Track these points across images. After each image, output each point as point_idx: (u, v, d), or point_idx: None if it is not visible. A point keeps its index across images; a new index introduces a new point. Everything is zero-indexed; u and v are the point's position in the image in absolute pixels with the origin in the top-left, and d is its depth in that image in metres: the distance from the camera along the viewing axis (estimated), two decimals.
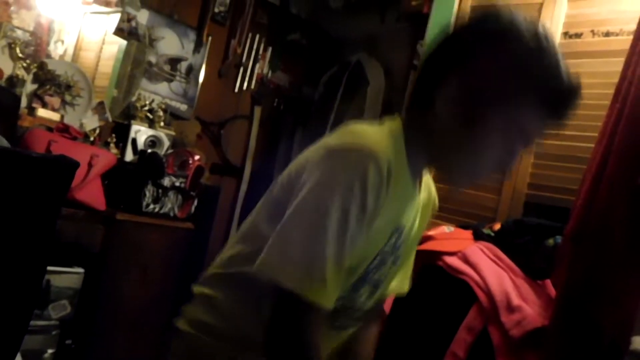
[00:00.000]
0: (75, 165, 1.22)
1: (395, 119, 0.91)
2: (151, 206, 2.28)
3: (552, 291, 1.46)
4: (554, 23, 1.97)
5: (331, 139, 0.83)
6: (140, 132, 2.49)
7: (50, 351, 2.15)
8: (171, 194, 2.34)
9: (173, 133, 2.62)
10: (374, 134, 0.82)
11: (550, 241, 1.58)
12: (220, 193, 2.84)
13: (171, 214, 2.35)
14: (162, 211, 2.32)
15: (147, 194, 2.27)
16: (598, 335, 1.32)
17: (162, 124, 2.60)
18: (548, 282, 1.57)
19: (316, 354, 0.77)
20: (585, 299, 1.34)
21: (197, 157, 2.48)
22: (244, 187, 3.02)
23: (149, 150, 2.36)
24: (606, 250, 1.33)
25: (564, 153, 1.80)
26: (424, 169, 0.94)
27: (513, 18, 0.83)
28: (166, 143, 2.56)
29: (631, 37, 1.53)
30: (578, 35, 1.93)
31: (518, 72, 0.81)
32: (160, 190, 2.30)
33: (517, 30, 0.81)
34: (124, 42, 2.56)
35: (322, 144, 0.83)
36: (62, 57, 2.51)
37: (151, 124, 2.56)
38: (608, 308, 1.32)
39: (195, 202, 2.44)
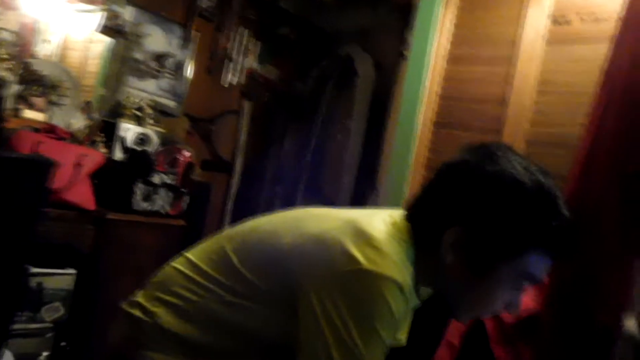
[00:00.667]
0: (49, 163, 1.20)
1: (404, 232, 0.88)
2: (142, 204, 2.27)
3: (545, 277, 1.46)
4: (541, 9, 1.96)
5: (349, 250, 0.80)
6: (129, 130, 2.47)
7: (45, 354, 2.14)
8: (162, 191, 2.32)
9: (162, 130, 2.60)
10: (394, 255, 0.81)
11: None
12: (212, 189, 2.83)
13: (162, 212, 2.33)
14: (153, 209, 2.30)
15: (138, 192, 2.26)
16: (590, 320, 1.32)
17: (150, 121, 2.58)
18: None
19: None
20: (577, 285, 1.33)
21: (187, 154, 2.46)
22: (235, 182, 3.00)
23: (138, 148, 2.34)
24: (596, 237, 1.33)
25: (555, 140, 1.80)
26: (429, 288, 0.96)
27: (509, 158, 0.85)
28: (155, 140, 2.54)
29: (620, 22, 1.52)
30: (567, 22, 1.92)
31: (523, 223, 0.82)
32: (150, 188, 2.28)
33: (516, 174, 0.82)
34: (110, 40, 2.54)
35: (338, 249, 0.81)
36: (48, 57, 2.48)
37: (139, 121, 2.54)
38: (599, 294, 1.32)
39: (187, 199, 2.43)
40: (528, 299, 1.44)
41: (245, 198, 3.04)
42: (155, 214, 2.31)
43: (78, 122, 2.36)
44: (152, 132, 2.53)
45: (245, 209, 2.94)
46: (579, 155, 1.42)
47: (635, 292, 1.53)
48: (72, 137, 2.24)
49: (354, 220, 0.88)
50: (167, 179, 2.34)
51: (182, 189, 2.38)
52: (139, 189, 2.26)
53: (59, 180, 2.01)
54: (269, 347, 0.93)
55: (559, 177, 1.68)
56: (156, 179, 2.30)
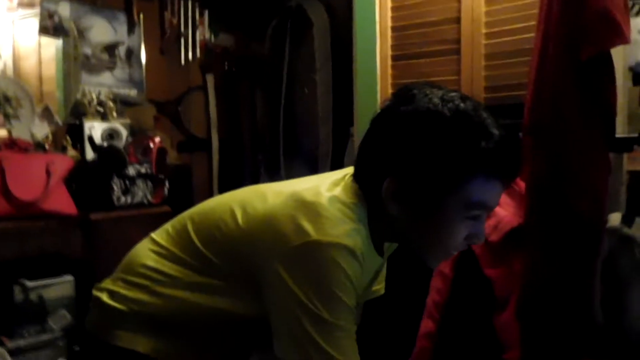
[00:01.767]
0: None
1: (352, 194, 0.88)
2: (122, 199, 2.25)
3: (523, 187, 1.45)
4: None
5: (297, 224, 0.81)
6: (95, 128, 2.42)
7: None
8: (139, 182, 2.30)
9: (128, 121, 2.55)
10: (342, 220, 0.82)
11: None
12: (193, 170, 2.80)
13: (145, 202, 2.31)
14: (134, 201, 2.28)
15: (115, 187, 2.23)
16: (574, 220, 1.31)
17: (114, 114, 2.53)
18: (519, 180, 1.56)
19: None
20: (555, 187, 1.33)
21: (157, 140, 2.42)
22: (215, 158, 2.97)
23: (106, 143, 2.30)
24: (565, 134, 1.31)
25: (513, 48, 1.76)
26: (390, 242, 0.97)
27: (425, 93, 0.83)
28: (124, 133, 2.49)
29: None
30: None
31: (451, 152, 0.80)
32: (127, 181, 2.26)
33: (431, 107, 0.81)
34: (59, 41, 2.47)
35: (286, 225, 0.83)
36: (2, 71, 2.43)
37: (104, 117, 2.49)
38: (578, 191, 1.31)
39: (167, 185, 2.41)
40: (510, 215, 1.43)
41: (229, 172, 3.01)
42: (139, 205, 2.29)
43: (40, 130, 2.31)
44: (119, 125, 2.48)
45: (232, 183, 2.92)
46: (533, 57, 1.38)
47: (616, 185, 1.52)
48: (36, 147, 2.20)
49: (297, 192, 0.88)
50: (142, 169, 2.31)
51: (160, 176, 2.36)
52: (116, 184, 2.24)
53: (33, 191, 1.99)
54: (239, 323, 0.94)
55: (524, 85, 1.67)
56: (131, 171, 2.27)
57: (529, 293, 1.35)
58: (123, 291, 0.95)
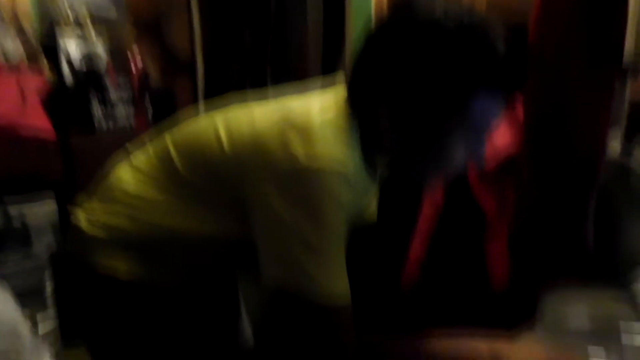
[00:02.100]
0: None
1: (343, 114, 0.82)
2: (104, 123, 2.17)
3: (521, 115, 1.39)
4: None
5: (286, 149, 0.77)
6: (72, 49, 2.30)
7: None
8: (121, 106, 2.21)
9: (107, 42, 2.42)
10: (334, 144, 0.78)
11: None
12: (176, 94, 2.70)
13: (128, 127, 2.24)
14: (117, 126, 2.21)
15: (96, 112, 2.15)
16: (571, 150, 1.27)
17: (93, 34, 2.40)
18: (517, 104, 1.50)
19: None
20: (553, 114, 1.27)
21: (139, 62, 2.31)
22: (200, 83, 2.86)
23: (85, 66, 2.19)
24: (566, 61, 1.24)
25: None
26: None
27: (427, 8, 0.76)
28: (103, 54, 2.37)
29: None
30: None
31: (454, 67, 0.73)
32: (108, 105, 2.17)
33: (434, 21, 0.74)
34: None
35: (275, 150, 0.78)
36: None
37: (82, 37, 2.36)
38: (578, 121, 1.26)
39: (151, 109, 2.32)
40: (506, 142, 1.38)
41: (215, 97, 2.92)
42: (121, 131, 2.22)
43: (14, 51, 2.19)
44: (98, 45, 2.36)
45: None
46: None
47: (617, 116, 1.47)
48: (9, 67, 2.09)
49: (286, 114, 0.83)
50: (124, 93, 2.22)
51: (142, 100, 2.27)
52: (97, 108, 2.16)
53: (8, 112, 1.91)
54: (224, 247, 0.91)
55: (525, 3, 1.57)
56: (112, 94, 2.19)
57: (521, 220, 1.33)
58: (102, 218, 0.92)
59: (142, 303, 0.92)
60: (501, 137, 1.40)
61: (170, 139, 0.93)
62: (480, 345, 0.80)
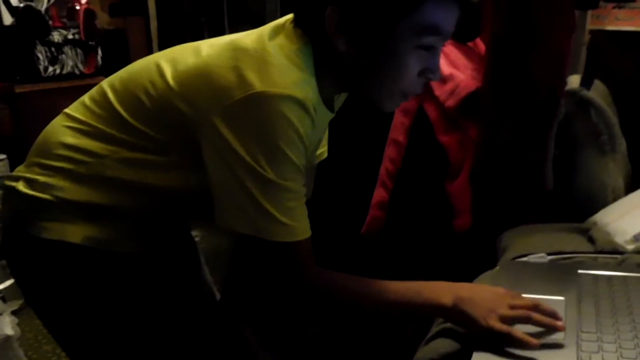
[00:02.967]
0: None
1: (295, 40, 0.77)
2: (50, 69, 2.05)
3: (483, 49, 1.36)
4: None
5: (238, 74, 0.72)
6: None
7: None
8: (67, 49, 2.08)
9: None
10: (289, 69, 0.73)
11: None
12: (128, 35, 2.56)
13: (76, 72, 2.12)
14: (64, 71, 2.09)
15: (40, 56, 2.02)
16: (533, 82, 1.25)
17: None
18: (479, 42, 1.46)
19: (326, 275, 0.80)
20: (515, 47, 1.24)
21: (83, 1, 2.17)
22: (153, 23, 2.72)
23: (22, 5, 2.03)
24: None
25: None
26: (341, 93, 0.89)
27: None
28: None
29: None
30: None
31: None
32: (53, 49, 2.04)
33: None
34: None
35: (226, 75, 0.72)
36: None
37: None
38: (539, 52, 1.24)
39: (100, 52, 2.20)
40: (468, 78, 1.36)
41: (170, 38, 2.79)
42: (69, 76, 2.11)
43: None
44: None
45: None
46: None
47: (577, 46, 1.46)
48: None
49: (236, 40, 0.77)
50: (69, 35, 2.08)
51: (90, 42, 2.14)
52: (41, 52, 2.02)
53: None
54: (178, 199, 0.86)
55: None
56: (56, 36, 2.05)
57: (483, 157, 1.32)
58: (43, 178, 0.84)
59: (97, 267, 0.86)
60: (463, 72, 1.38)
61: (108, 83, 0.86)
62: (441, 286, 0.80)
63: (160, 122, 0.79)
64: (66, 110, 0.88)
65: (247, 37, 0.78)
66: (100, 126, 0.82)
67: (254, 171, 0.71)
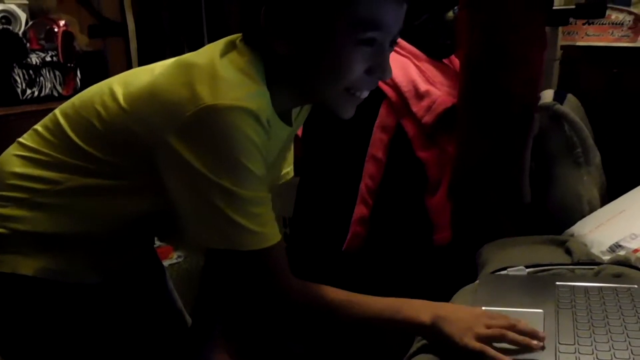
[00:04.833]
0: None
1: (245, 53, 0.77)
2: (28, 91, 2.03)
3: (458, 65, 1.39)
4: None
5: (187, 89, 0.71)
6: None
7: None
8: (45, 71, 2.07)
9: (26, 2, 2.24)
10: (239, 82, 0.73)
11: (450, 14, 1.46)
12: (108, 56, 2.56)
13: (55, 94, 2.10)
14: (42, 94, 2.07)
15: (18, 79, 2.00)
16: (507, 98, 1.28)
17: None
18: (454, 58, 1.49)
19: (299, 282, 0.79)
20: (489, 63, 1.27)
21: (62, 23, 2.16)
22: (133, 44, 2.71)
23: (1, 29, 2.02)
24: (502, 8, 1.23)
25: None
26: (297, 106, 0.88)
27: None
28: (22, 16, 2.19)
29: None
30: None
31: None
32: (31, 71, 2.02)
33: None
34: None
35: (175, 92, 0.72)
36: None
37: None
38: (513, 68, 1.26)
39: (79, 73, 2.19)
40: (444, 94, 1.38)
41: (150, 58, 2.79)
42: (48, 98, 2.08)
43: None
44: (14, 6, 2.18)
45: None
46: None
47: (550, 61, 1.49)
48: None
49: (185, 58, 0.77)
50: (47, 57, 2.07)
51: (69, 64, 2.13)
52: (19, 75, 2.01)
53: None
54: (139, 223, 0.84)
55: None
56: (34, 59, 2.03)
57: (461, 172, 1.34)
58: None
59: (52, 299, 0.83)
60: (439, 88, 1.40)
61: (60, 110, 0.84)
62: (421, 304, 0.80)
63: (114, 146, 0.78)
64: (19, 138, 0.86)
65: (197, 55, 0.78)
66: (53, 153, 0.81)
67: (216, 185, 0.70)
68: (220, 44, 0.79)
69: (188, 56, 0.78)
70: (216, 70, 0.72)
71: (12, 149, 0.85)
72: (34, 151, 0.82)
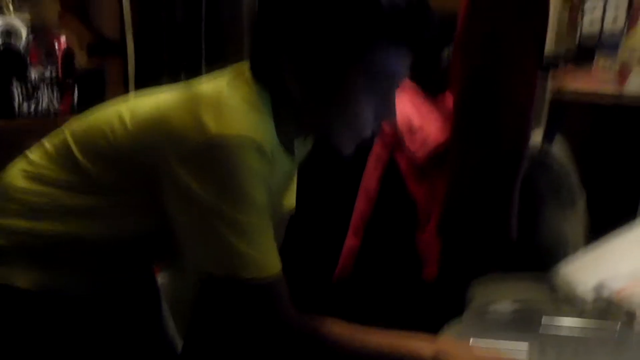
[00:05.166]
0: None
1: (252, 84, 0.78)
2: (25, 106, 2.04)
3: (451, 103, 1.43)
4: None
5: (193, 118, 0.72)
6: None
7: None
8: (44, 87, 2.08)
9: (29, 17, 2.27)
10: (245, 113, 0.74)
11: (447, 52, 1.51)
12: (105, 75, 2.58)
13: (51, 110, 2.12)
14: (39, 109, 2.08)
15: (16, 92, 2.02)
16: (498, 137, 1.32)
17: (11, 8, 2.24)
18: (448, 94, 1.53)
19: (303, 318, 0.79)
20: (482, 103, 1.31)
21: (63, 40, 2.19)
22: (131, 64, 2.74)
23: (2, 39, 2.04)
24: (496, 50, 1.28)
25: None
26: (300, 138, 0.89)
27: None
28: (23, 31, 2.22)
29: None
30: None
31: (350, 14, 0.72)
32: (29, 86, 2.04)
33: None
34: None
35: (181, 120, 0.73)
36: None
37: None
38: (504, 108, 1.30)
39: (76, 91, 2.21)
40: (437, 130, 1.42)
41: (148, 80, 2.81)
42: (44, 114, 2.10)
43: None
44: (17, 21, 2.21)
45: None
46: None
47: (539, 104, 1.54)
48: None
49: (190, 86, 0.80)
50: (47, 72, 2.09)
51: (67, 81, 2.15)
52: (17, 89, 2.02)
53: None
54: (136, 243, 0.86)
55: None
56: (33, 74, 2.06)
57: (450, 208, 1.37)
58: None
59: (47, 313, 0.83)
60: (432, 125, 1.44)
61: (68, 129, 0.86)
62: (423, 339, 0.81)
63: (118, 168, 0.79)
64: (27, 151, 0.89)
65: (204, 83, 0.80)
66: (56, 169, 0.82)
67: (218, 212, 0.71)
68: (226, 72, 0.82)
69: (195, 83, 0.80)
70: (222, 99, 0.74)
71: (18, 162, 0.87)
72: (37, 166, 0.84)
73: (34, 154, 0.86)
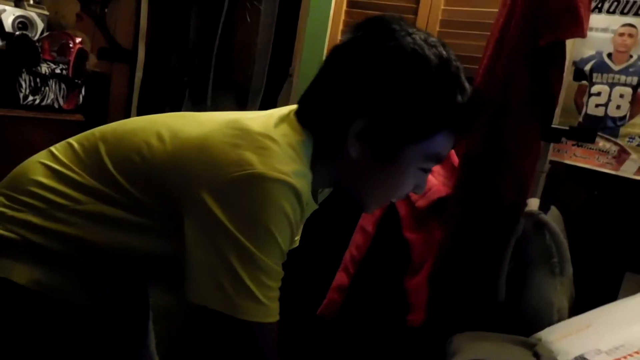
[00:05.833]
0: None
1: (298, 131, 0.80)
2: (30, 98, 2.03)
3: (456, 160, 1.47)
4: None
5: (239, 153, 0.72)
6: (6, 13, 2.14)
7: None
8: (52, 82, 2.08)
9: (46, 13, 2.28)
10: (290, 158, 0.75)
11: None
12: (111, 80, 2.59)
13: (55, 106, 2.11)
14: (44, 103, 2.07)
15: (23, 84, 2.01)
16: (497, 199, 1.36)
17: (31, 1, 2.25)
18: (452, 152, 1.58)
19: None
20: (485, 165, 1.35)
21: (78, 40, 2.19)
22: (138, 74, 2.76)
23: (18, 29, 2.05)
24: (505, 116, 1.33)
25: (470, 19, 1.76)
26: (328, 188, 0.91)
27: (407, 31, 0.78)
28: (39, 25, 2.23)
29: None
30: None
31: (431, 100, 0.77)
32: (38, 79, 2.04)
33: (418, 49, 0.76)
34: None
35: (226, 153, 0.73)
36: None
37: (17, 3, 2.20)
38: (506, 172, 1.35)
39: (83, 91, 2.21)
40: (440, 184, 1.46)
41: (151, 90, 2.83)
42: (48, 108, 2.09)
43: None
44: (34, 14, 2.22)
45: (153, 102, 2.75)
46: (493, 32, 1.38)
47: (539, 172, 1.59)
48: None
49: (239, 120, 0.79)
50: (57, 69, 2.09)
51: (76, 80, 2.15)
52: (25, 80, 2.02)
53: None
54: (141, 262, 0.84)
55: (476, 59, 1.68)
56: (44, 68, 2.05)
57: (443, 259, 1.39)
58: (8, 212, 0.80)
59: (40, 314, 0.81)
60: (436, 178, 1.47)
61: (100, 135, 0.84)
62: None
63: (147, 184, 0.78)
64: (52, 147, 0.87)
65: (252, 120, 0.79)
66: (82, 173, 0.81)
67: (240, 244, 0.69)
68: (275, 114, 0.83)
69: (243, 118, 0.79)
70: (269, 142, 0.74)
71: (42, 157, 0.85)
72: (63, 165, 0.82)
73: (61, 153, 0.84)
